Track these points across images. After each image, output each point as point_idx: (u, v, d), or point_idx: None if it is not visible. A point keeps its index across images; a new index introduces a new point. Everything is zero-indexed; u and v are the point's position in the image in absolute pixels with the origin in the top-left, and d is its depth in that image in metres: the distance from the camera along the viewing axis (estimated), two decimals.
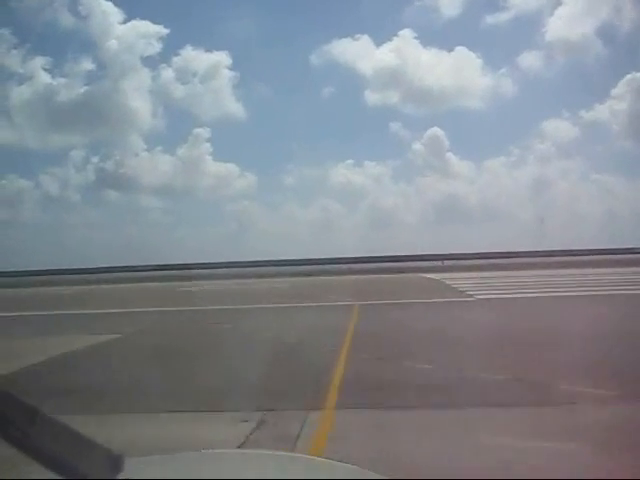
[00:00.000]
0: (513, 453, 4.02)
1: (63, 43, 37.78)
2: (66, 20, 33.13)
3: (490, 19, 39.01)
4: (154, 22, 31.03)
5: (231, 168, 33.29)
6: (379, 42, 36.69)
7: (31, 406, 0.87)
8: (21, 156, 36.57)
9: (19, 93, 31.94)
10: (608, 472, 3.63)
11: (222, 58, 32.36)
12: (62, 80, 32.39)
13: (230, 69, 32.99)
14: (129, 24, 32.52)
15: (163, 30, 30.82)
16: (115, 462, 0.93)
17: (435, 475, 3.61)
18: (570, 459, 3.94)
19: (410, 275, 23.90)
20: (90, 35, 36.96)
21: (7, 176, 32.35)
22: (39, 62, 30.65)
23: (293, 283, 22.01)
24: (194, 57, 32.78)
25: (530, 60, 36.55)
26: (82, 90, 32.52)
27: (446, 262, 27.10)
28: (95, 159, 33.95)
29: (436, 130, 31.83)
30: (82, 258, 24.36)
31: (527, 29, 38.73)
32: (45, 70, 30.62)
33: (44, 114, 32.50)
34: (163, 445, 4.05)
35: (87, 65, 34.91)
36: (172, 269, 24.13)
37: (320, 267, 25.56)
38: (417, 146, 33.65)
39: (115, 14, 32.58)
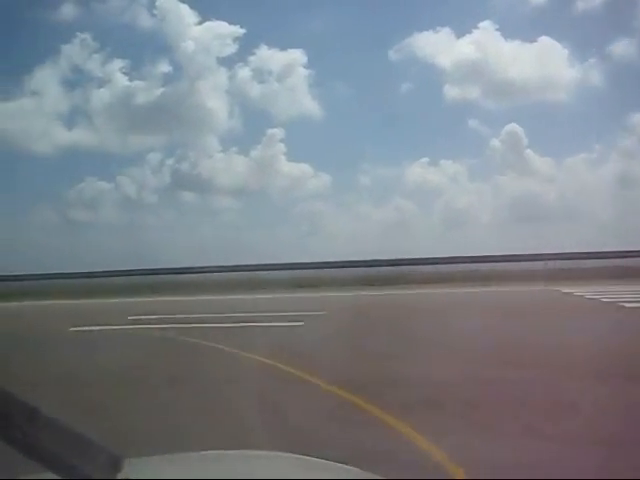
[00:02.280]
0: None
1: (140, 46, 37.43)
2: (143, 23, 34.24)
3: (581, 4, 36.99)
4: (230, 23, 31.57)
5: (305, 168, 33.42)
6: (459, 34, 35.80)
7: (31, 406, 0.88)
8: (100, 159, 37.48)
9: (98, 96, 31.79)
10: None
11: (298, 56, 32.14)
12: (139, 83, 32.54)
13: (306, 67, 32.94)
14: (205, 25, 33.25)
15: (239, 30, 31.04)
16: (115, 462, 0.93)
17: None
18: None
19: (535, 288, 16.85)
20: (166, 37, 37.70)
21: (87, 178, 33.98)
22: (117, 65, 31.49)
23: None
24: (270, 56, 32.44)
25: (622, 49, 34.67)
26: (159, 92, 31.90)
27: (549, 264, 19.70)
28: (170, 161, 34.44)
29: (514, 126, 30.77)
30: (156, 259, 23.97)
31: (621, 15, 36.50)
32: (123, 73, 31.21)
33: (122, 117, 32.23)
34: None
35: (163, 67, 35.67)
36: (244, 270, 22.92)
37: (393, 269, 23.38)
38: (495, 143, 32.58)
39: (190, 16, 33.50)
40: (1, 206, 32.89)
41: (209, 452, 1.92)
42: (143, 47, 39.35)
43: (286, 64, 31.77)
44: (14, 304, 18.01)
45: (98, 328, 11.62)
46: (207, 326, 11.75)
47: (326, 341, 9.19)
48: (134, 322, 12.47)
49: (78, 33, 29.65)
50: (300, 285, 20.03)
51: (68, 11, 33.99)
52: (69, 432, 0.90)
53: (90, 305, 17.30)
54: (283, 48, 32.84)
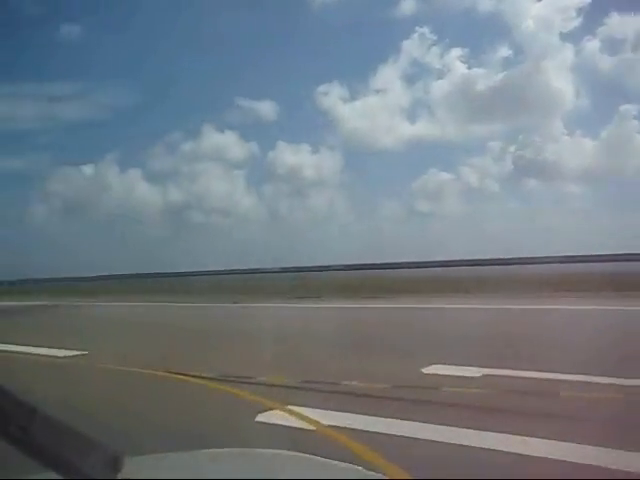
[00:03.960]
0: None
1: (478, 32, 38.88)
2: (481, 7, 34.97)
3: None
4: None
5: None
6: None
7: (30, 404, 0.87)
8: (442, 150, 37.65)
9: (438, 88, 32.23)
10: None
11: None
12: (478, 70, 32.20)
13: None
14: (544, 1, 32.74)
15: (585, 1, 29.32)
16: (115, 461, 0.93)
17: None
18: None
19: None
20: (505, 19, 37.02)
21: (429, 170, 33.48)
22: (456, 54, 30.41)
23: None
24: (622, 23, 29.19)
25: None
26: (499, 77, 31.32)
27: None
28: (512, 148, 32.93)
29: None
30: (501, 248, 22.09)
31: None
32: (462, 62, 30.54)
33: (462, 106, 31.65)
34: None
35: (503, 51, 35.28)
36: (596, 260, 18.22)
37: None
38: None
39: None
40: (354, 200, 33.14)
41: (209, 451, 1.92)
42: (481, 33, 40.04)
43: None
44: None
45: None
46: None
47: None
48: None
49: (417, 27, 30.82)
50: None
51: (408, 7, 34.79)
52: (69, 431, 0.90)
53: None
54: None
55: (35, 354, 9.76)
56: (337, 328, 11.26)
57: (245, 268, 23.34)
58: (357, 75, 36.87)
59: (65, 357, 9.36)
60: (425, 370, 6.81)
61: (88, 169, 34.77)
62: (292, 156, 32.15)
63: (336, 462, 1.73)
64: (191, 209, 36.14)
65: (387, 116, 35.45)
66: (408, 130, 31.31)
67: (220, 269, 23.94)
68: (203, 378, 7.05)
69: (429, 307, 13.84)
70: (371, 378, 6.40)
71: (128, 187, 34.04)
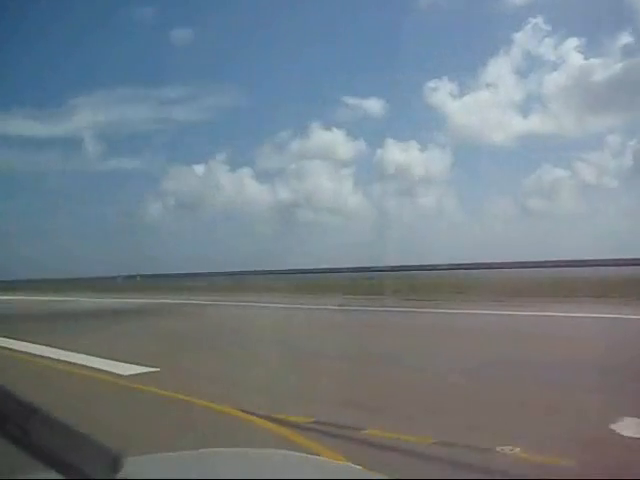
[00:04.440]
0: None
1: (596, 20, 36.64)
2: None
3: None
4: None
5: None
6: None
7: (30, 404, 0.88)
8: (555, 144, 37.27)
9: (552, 80, 32.34)
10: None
11: None
12: (596, 60, 31.85)
13: None
14: None
15: None
16: (115, 461, 0.92)
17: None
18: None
19: None
20: (627, 5, 36.73)
21: (543, 165, 33.75)
22: (571, 44, 30.72)
23: None
24: None
25: None
26: (618, 67, 30.96)
27: None
28: (633, 141, 32.54)
29: None
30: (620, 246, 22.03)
31: None
32: (578, 52, 30.57)
33: (578, 98, 31.90)
34: None
35: (623, 39, 34.96)
36: None
37: None
38: None
39: None
40: (464, 197, 34.18)
41: (209, 450, 1.94)
42: (599, 21, 36.58)
43: None
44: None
45: None
46: None
47: None
48: None
49: (530, 18, 30.48)
50: None
51: None
52: (69, 431, 0.90)
53: None
54: None
55: None
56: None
57: (354, 266, 23.87)
58: (467, 70, 36.21)
59: None
60: None
61: (200, 168, 36.18)
62: (400, 153, 32.68)
63: (335, 462, 1.75)
64: (299, 207, 36.52)
65: (498, 111, 35.23)
66: (520, 125, 31.35)
67: (330, 267, 24.55)
68: None
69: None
70: None
71: (238, 185, 35.02)
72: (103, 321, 15.82)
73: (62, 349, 9.80)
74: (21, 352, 10.07)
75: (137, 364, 8.11)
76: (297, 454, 1.89)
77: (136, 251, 31.64)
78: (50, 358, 9.22)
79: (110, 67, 41.49)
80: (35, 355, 9.61)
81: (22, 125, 42.05)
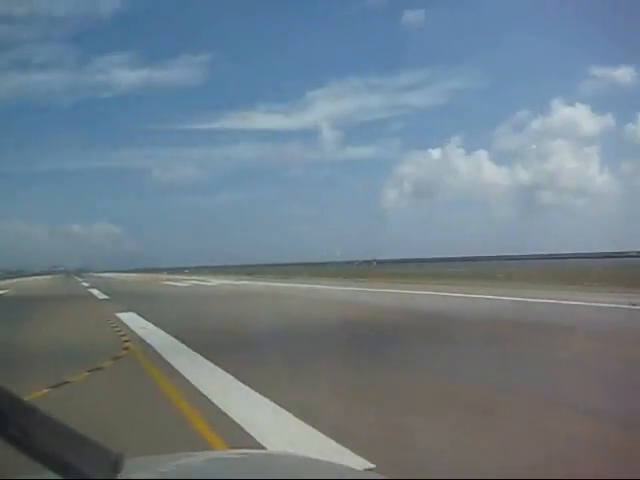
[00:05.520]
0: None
1: None
2: None
3: None
4: None
5: None
6: None
7: (30, 405, 0.88)
8: None
9: None
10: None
11: None
12: None
13: None
14: None
15: None
16: (115, 462, 0.93)
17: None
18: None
19: None
20: None
21: None
22: None
23: None
24: None
25: None
26: None
27: None
28: None
29: None
30: None
31: None
32: None
33: None
34: None
35: None
36: None
37: None
38: None
39: None
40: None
41: (210, 452, 1.93)
42: None
43: None
44: None
45: None
46: None
47: None
48: None
49: None
50: None
51: None
52: (69, 432, 0.90)
53: None
54: None
55: None
56: None
57: (605, 251, 22.70)
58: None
59: None
60: None
61: (435, 153, 36.59)
62: None
63: (333, 462, 1.74)
64: (540, 189, 34.81)
65: None
66: None
67: (574, 252, 23.60)
68: None
69: None
70: None
71: (474, 169, 34.57)
72: None
73: None
74: None
75: None
76: (297, 455, 1.96)
77: (371, 237, 33.35)
78: None
79: (344, 58, 43.83)
80: None
81: (265, 119, 46.30)
